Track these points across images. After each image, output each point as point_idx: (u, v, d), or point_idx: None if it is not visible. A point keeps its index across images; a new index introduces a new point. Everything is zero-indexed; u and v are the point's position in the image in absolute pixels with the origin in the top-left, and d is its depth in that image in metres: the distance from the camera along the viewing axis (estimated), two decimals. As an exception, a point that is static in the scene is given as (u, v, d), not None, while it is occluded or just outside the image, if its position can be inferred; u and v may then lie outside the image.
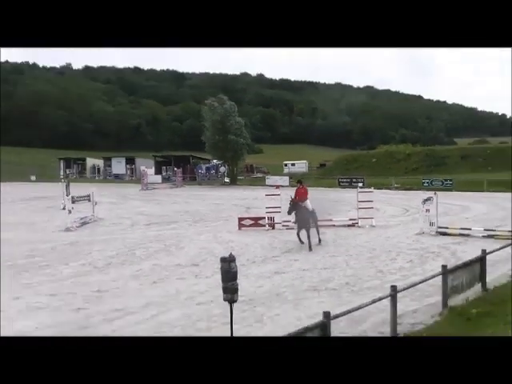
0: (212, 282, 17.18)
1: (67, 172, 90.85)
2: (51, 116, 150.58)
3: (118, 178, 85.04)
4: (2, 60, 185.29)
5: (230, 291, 9.93)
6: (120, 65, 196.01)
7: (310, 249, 22.67)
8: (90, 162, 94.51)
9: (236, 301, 10.11)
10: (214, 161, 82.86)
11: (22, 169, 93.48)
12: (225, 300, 10.08)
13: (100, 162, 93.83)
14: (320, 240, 24.12)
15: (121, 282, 18.41)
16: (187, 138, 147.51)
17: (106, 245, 25.64)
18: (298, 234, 23.71)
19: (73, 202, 32.08)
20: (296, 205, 23.66)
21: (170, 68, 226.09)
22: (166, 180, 78.23)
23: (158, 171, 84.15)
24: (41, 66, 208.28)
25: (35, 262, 21.98)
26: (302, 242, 23.52)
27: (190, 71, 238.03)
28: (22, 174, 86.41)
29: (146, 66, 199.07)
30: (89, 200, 35.11)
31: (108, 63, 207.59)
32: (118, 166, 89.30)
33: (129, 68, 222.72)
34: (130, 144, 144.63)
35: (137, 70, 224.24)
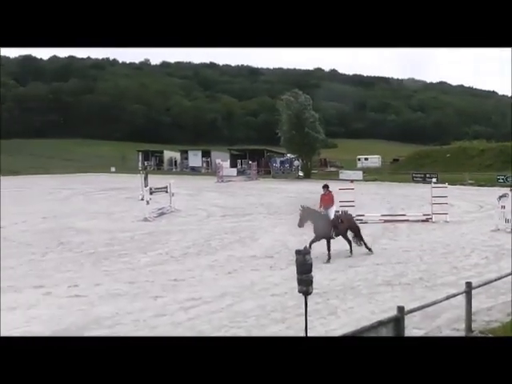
0: (286, 273, 17.33)
1: (145, 164, 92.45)
2: (130, 110, 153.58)
3: (194, 171, 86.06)
4: (84, 56, 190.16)
5: (305, 283, 10.04)
6: (196, 60, 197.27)
7: (328, 260, 19.69)
8: (168, 154, 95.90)
9: (311, 293, 10.22)
10: (289, 155, 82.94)
11: (102, 160, 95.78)
12: (299, 292, 10.20)
13: (177, 155, 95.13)
14: (370, 249, 21.21)
15: (197, 271, 18.79)
16: (261, 132, 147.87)
17: (183, 235, 26.13)
18: (310, 244, 19.46)
19: (151, 194, 32.80)
20: (309, 214, 20.12)
21: (245, 64, 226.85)
22: (240, 173, 78.71)
23: (233, 164, 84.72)
24: (120, 61, 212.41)
25: (114, 250, 22.63)
26: (328, 257, 20.10)
27: (264, 66, 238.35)
28: (103, 165, 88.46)
29: (221, 62, 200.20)
30: (166, 191, 35.77)
31: (185, 59, 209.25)
32: (195, 158, 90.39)
33: (205, 64, 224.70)
34: (206, 137, 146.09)
35: (212, 65, 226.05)
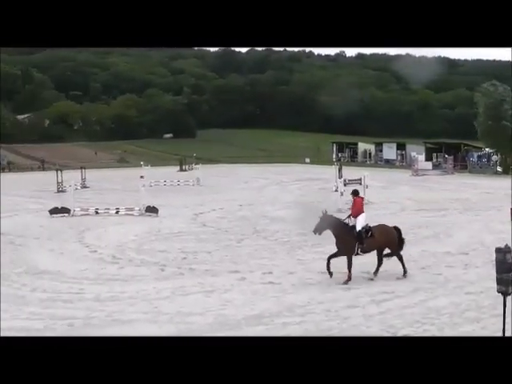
0: (482, 272, 16.79)
1: (339, 156, 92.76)
2: (325, 101, 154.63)
3: (388, 163, 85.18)
4: (281, 49, 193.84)
5: (505, 283, 9.66)
6: (391, 52, 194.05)
7: (346, 282, 16.63)
8: (362, 146, 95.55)
9: (510, 293, 9.84)
10: (487, 149, 79.65)
11: (297, 151, 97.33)
12: (498, 292, 9.83)
13: (371, 147, 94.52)
14: (405, 271, 17.61)
15: (389, 265, 18.63)
16: (458, 125, 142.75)
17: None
18: (328, 259, 17.10)
19: (345, 185, 32.93)
20: (330, 223, 17.25)
21: (442, 55, 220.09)
22: (436, 167, 76.76)
23: (428, 158, 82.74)
24: (316, 53, 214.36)
25: (307, 239, 22.96)
26: (329, 274, 16.97)
27: (462, 58, 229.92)
28: (297, 156, 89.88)
29: (417, 53, 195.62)
30: (360, 183, 35.69)
31: (380, 51, 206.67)
32: (389, 151, 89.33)
33: (400, 55, 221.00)
34: (401, 130, 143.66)
35: (408, 56, 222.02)
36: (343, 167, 47.02)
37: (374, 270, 17.35)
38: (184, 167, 71.12)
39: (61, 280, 17.74)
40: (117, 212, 31.85)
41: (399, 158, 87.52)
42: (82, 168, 53.41)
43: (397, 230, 17.72)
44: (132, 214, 31.40)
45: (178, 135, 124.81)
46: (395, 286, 15.90)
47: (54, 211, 31.77)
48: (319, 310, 14.09)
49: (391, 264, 18.64)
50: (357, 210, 17.60)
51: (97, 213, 31.89)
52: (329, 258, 17.02)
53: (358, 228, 17.13)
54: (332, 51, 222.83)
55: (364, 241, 17.01)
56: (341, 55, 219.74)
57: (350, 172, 42.16)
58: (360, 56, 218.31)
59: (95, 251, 22.11)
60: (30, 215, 33.00)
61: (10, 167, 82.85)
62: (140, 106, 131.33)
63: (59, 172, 46.68)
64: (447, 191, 46.16)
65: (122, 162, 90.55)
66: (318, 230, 17.21)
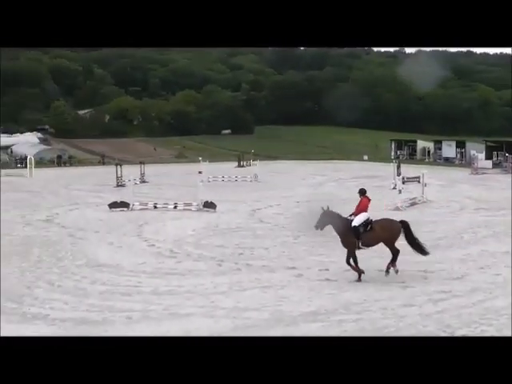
0: (544, 273, 16.46)
1: (398, 153, 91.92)
2: (384, 99, 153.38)
3: (447, 161, 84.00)
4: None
5: None
6: (452, 48, 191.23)
7: (359, 279, 16.66)
8: (421, 144, 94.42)
9: None
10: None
11: (355, 148, 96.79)
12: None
13: (430, 145, 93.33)
14: (397, 270, 16.89)
15: (447, 264, 18.46)
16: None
17: (435, 226, 25.75)
18: (347, 262, 16.97)
19: (403, 183, 32.69)
20: (330, 218, 17.20)
21: (504, 52, 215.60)
22: (496, 165, 75.35)
23: (488, 156, 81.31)
24: (375, 50, 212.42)
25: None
26: (360, 271, 16.85)
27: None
28: (356, 153, 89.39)
29: (478, 50, 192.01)
30: (418, 181, 35.40)
31: (440, 48, 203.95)
32: (448, 149, 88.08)
33: (461, 52, 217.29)
34: (460, 128, 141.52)
35: (469, 54, 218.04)
36: (401, 165, 46.60)
37: (430, 268, 17.26)
38: (242, 163, 71.49)
39: (119, 273, 18.07)
40: (175, 207, 32.20)
41: (459, 156, 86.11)
42: (141, 163, 54.14)
43: (403, 224, 17.22)
44: (190, 209, 31.71)
45: (236, 131, 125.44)
46: (452, 286, 15.73)
47: (114, 205, 32.32)
48: (375, 308, 14.03)
49: (449, 263, 18.47)
50: (360, 211, 17.32)
51: (155, 207, 32.32)
52: (347, 261, 16.88)
53: (354, 224, 16.95)
54: (392, 48, 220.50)
55: (362, 235, 16.85)
56: (400, 52, 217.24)
57: (409, 170, 41.75)
58: (420, 52, 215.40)
59: (153, 245, 22.43)
60: (90, 209, 33.64)
61: (71, 162, 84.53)
62: (199, 102, 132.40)
63: (119, 167, 47.43)
64: (507, 190, 45.23)
65: (181, 157, 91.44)
66: (319, 226, 17.28)
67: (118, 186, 45.47)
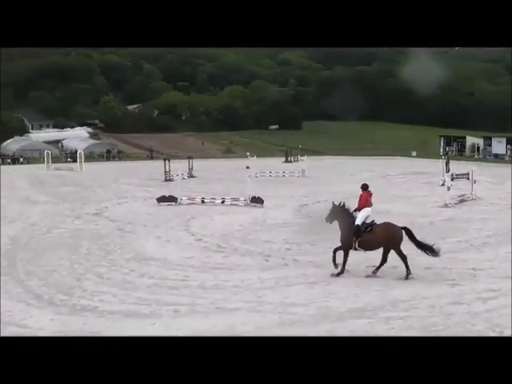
0: None
1: (447, 149, 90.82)
2: (433, 94, 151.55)
3: (497, 158, 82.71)
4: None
5: None
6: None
7: (338, 274, 16.89)
8: (470, 140, 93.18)
9: None
10: None
11: (403, 144, 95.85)
12: None
13: (480, 141, 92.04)
14: (409, 273, 16.64)
15: (496, 262, 18.18)
16: None
17: (484, 224, 25.38)
18: (334, 252, 17.31)
19: (452, 179, 32.26)
20: (338, 213, 17.36)
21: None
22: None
23: (538, 152, 79.95)
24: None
25: (416, 234, 22.59)
26: (335, 265, 17.12)
27: None
28: (404, 149, 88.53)
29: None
30: (467, 178, 34.91)
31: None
32: (498, 145, 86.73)
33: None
34: (510, 124, 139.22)
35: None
36: (450, 161, 45.94)
37: (479, 266, 17.05)
38: (289, 159, 71.43)
39: (167, 267, 18.25)
40: (222, 202, 32.36)
41: (509, 152, 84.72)
42: (189, 158, 54.54)
43: (406, 230, 16.84)
44: (237, 204, 31.82)
45: (283, 126, 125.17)
46: (501, 284, 15.47)
47: (162, 199, 32.63)
48: (423, 305, 13.92)
49: (498, 261, 18.18)
50: (361, 206, 17.29)
51: (203, 202, 32.52)
52: (334, 252, 17.24)
53: (357, 222, 16.97)
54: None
55: (361, 235, 16.81)
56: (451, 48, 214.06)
57: (458, 166, 41.19)
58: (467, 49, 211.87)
59: (200, 240, 22.58)
60: (138, 203, 34.02)
61: (120, 156, 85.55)
62: (246, 97, 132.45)
63: (167, 161, 47.84)
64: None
65: (228, 152, 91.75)
66: (329, 220, 17.67)
67: (166, 180, 45.90)
